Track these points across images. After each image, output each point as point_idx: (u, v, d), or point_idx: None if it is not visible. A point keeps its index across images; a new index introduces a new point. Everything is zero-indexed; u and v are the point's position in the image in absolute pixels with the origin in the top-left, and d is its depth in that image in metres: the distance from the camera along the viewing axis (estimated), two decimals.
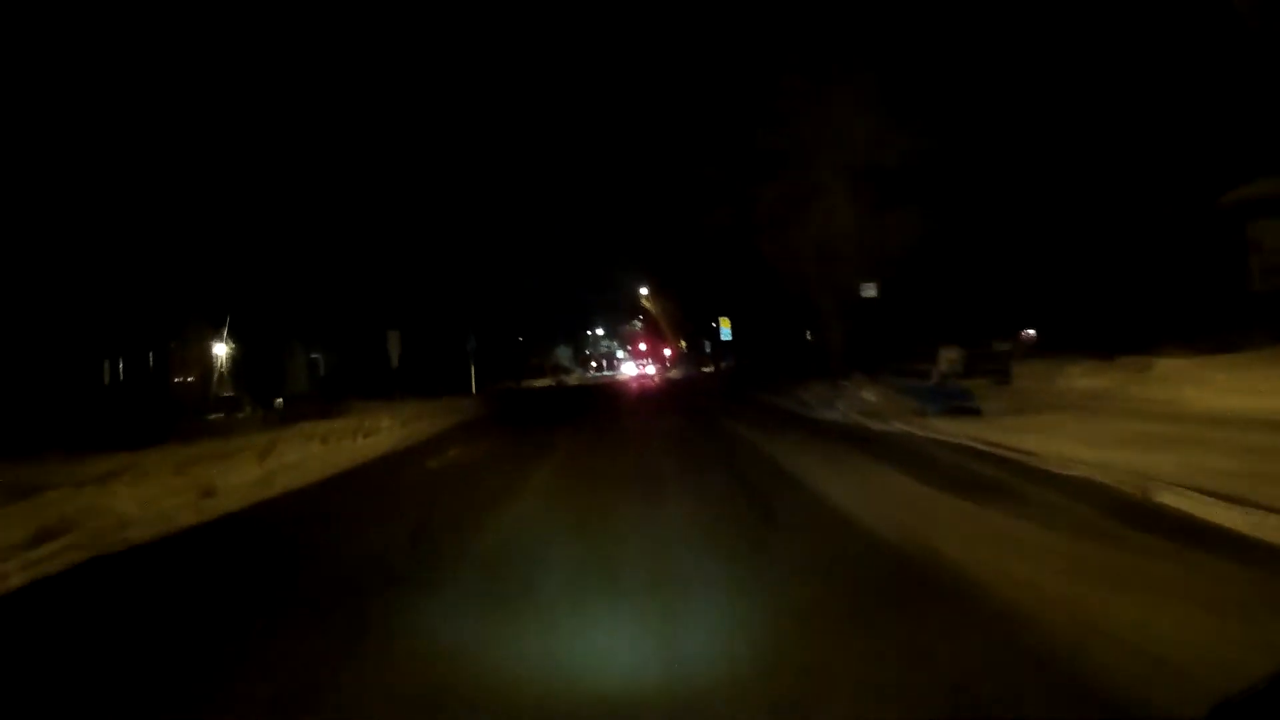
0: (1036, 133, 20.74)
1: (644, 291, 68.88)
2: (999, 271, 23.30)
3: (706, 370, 53.83)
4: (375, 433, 15.59)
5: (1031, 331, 28.39)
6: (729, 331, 39.14)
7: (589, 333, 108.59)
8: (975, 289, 22.25)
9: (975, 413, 11.80)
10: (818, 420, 13.53)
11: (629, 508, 6.55)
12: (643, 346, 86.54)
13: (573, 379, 67.08)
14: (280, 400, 36.33)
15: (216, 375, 37.17)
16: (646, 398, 26.50)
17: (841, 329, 20.56)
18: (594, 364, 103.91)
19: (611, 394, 32.11)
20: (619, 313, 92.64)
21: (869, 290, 18.75)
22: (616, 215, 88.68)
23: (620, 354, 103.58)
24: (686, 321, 61.45)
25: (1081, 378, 15.04)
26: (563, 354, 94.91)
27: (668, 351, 74.83)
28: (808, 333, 33.13)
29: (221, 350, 37.41)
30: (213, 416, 31.07)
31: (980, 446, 9.01)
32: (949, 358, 12.79)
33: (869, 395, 15.09)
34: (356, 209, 38.78)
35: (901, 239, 18.08)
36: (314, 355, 40.97)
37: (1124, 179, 19.83)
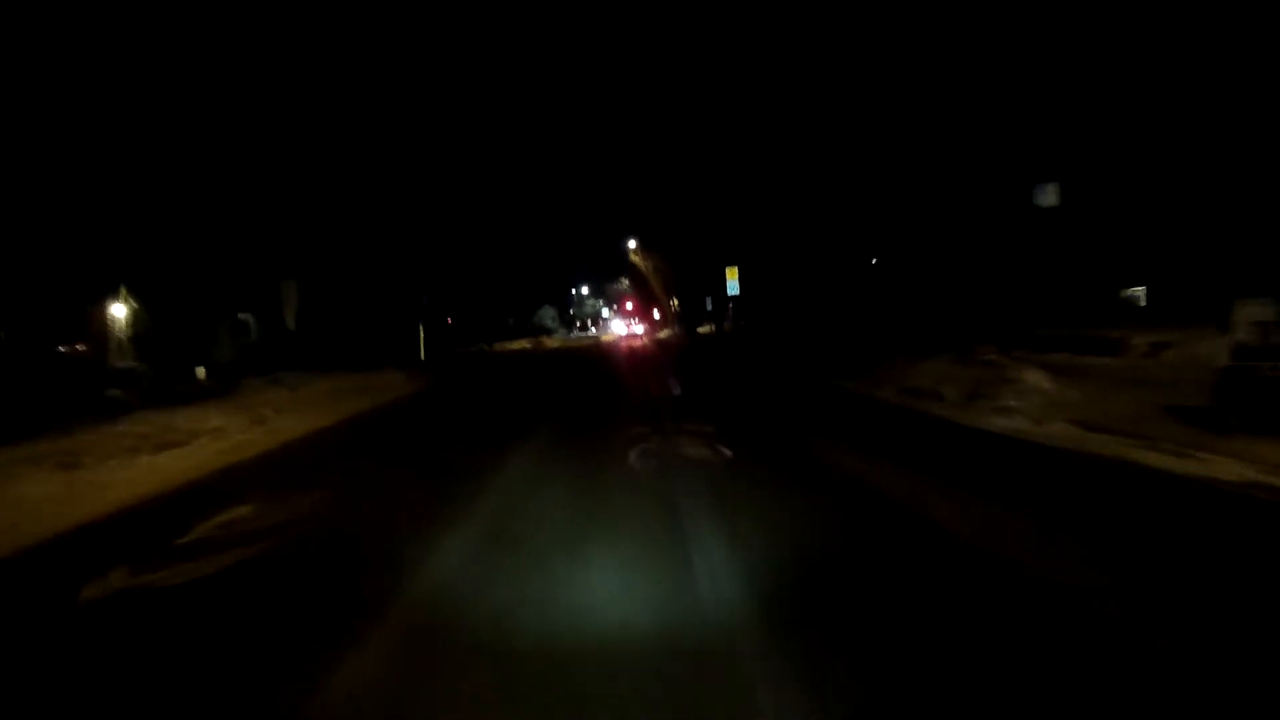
0: None
1: (632, 245, 62.35)
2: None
3: (703, 331, 47.51)
4: (194, 438, 9.36)
5: (1139, 291, 22.93)
6: (736, 285, 32.55)
7: (574, 292, 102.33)
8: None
9: None
10: (1028, 448, 6.56)
11: None
12: (630, 306, 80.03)
13: (553, 341, 60.70)
14: (203, 370, 30.01)
15: (116, 343, 30.45)
16: (646, 371, 19.96)
17: (979, 267, 14.23)
18: (579, 324, 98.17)
19: (598, 362, 25.71)
20: (605, 270, 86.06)
21: (1047, 195, 12.35)
22: (603, 155, 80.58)
23: (606, 313, 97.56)
24: (679, 277, 54.94)
25: None
26: (546, 314, 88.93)
27: (657, 314, 68.31)
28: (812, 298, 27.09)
29: (120, 312, 30.60)
30: (109, 393, 24.90)
31: None
32: (1259, 314, 6.59)
33: (1042, 382, 8.86)
34: (289, 141, 31.69)
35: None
36: (242, 317, 34.05)
37: None
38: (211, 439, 9.40)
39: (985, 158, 19.74)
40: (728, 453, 6.75)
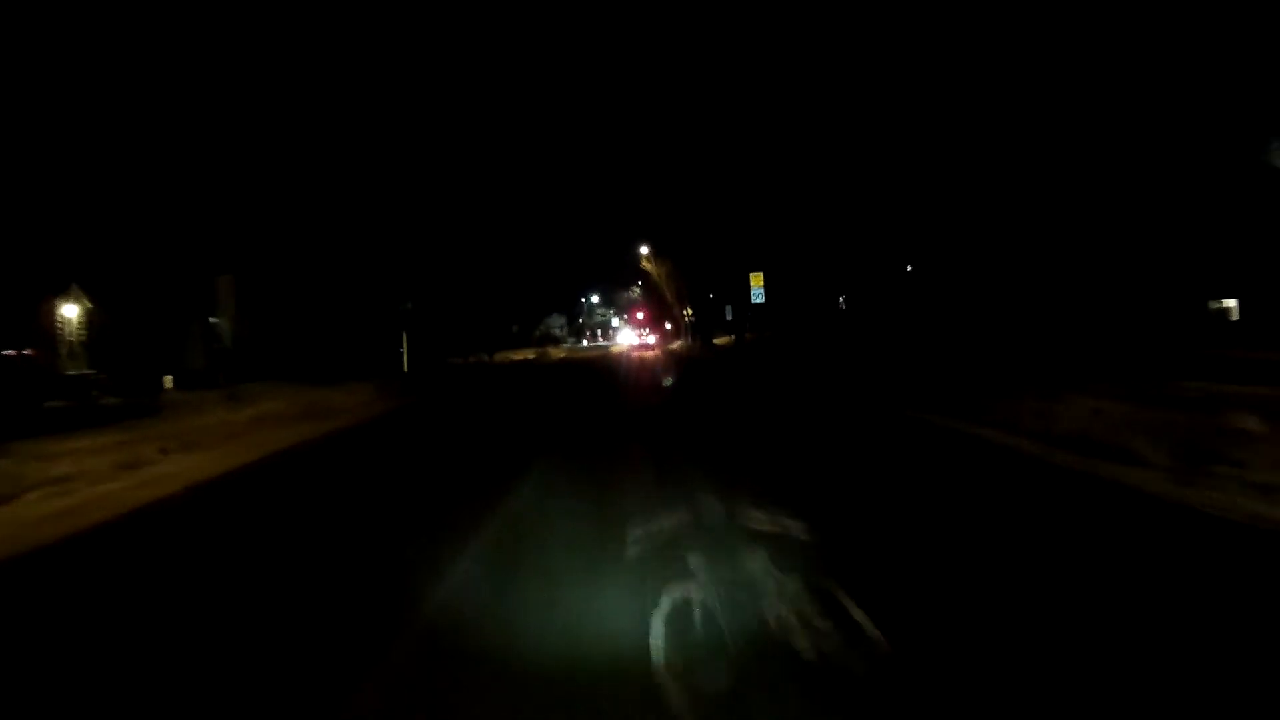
0: None
1: (644, 251, 59.17)
2: None
3: (720, 343, 44.11)
4: (26, 490, 6.34)
5: (1232, 303, 20.54)
6: (762, 292, 29.13)
7: (583, 300, 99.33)
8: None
9: None
10: None
11: None
12: (641, 315, 76.84)
13: (559, 352, 57.55)
14: (170, 379, 26.93)
15: (66, 347, 27.34)
16: (667, 393, 16.43)
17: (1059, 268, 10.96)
18: (589, 333, 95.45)
19: (607, 377, 22.36)
20: (616, 279, 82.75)
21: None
22: (616, 156, 77.18)
23: (616, 323, 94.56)
24: (693, 285, 51.61)
25: None
26: (554, 322, 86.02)
27: (669, 324, 65.02)
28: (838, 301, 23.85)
29: (72, 312, 27.46)
30: (50, 404, 21.84)
31: None
32: None
33: (1259, 428, 5.46)
34: (273, 140, 28.59)
35: None
36: (213, 320, 30.83)
37: None
38: (49, 494, 6.23)
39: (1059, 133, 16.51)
40: (873, 632, 2.88)
